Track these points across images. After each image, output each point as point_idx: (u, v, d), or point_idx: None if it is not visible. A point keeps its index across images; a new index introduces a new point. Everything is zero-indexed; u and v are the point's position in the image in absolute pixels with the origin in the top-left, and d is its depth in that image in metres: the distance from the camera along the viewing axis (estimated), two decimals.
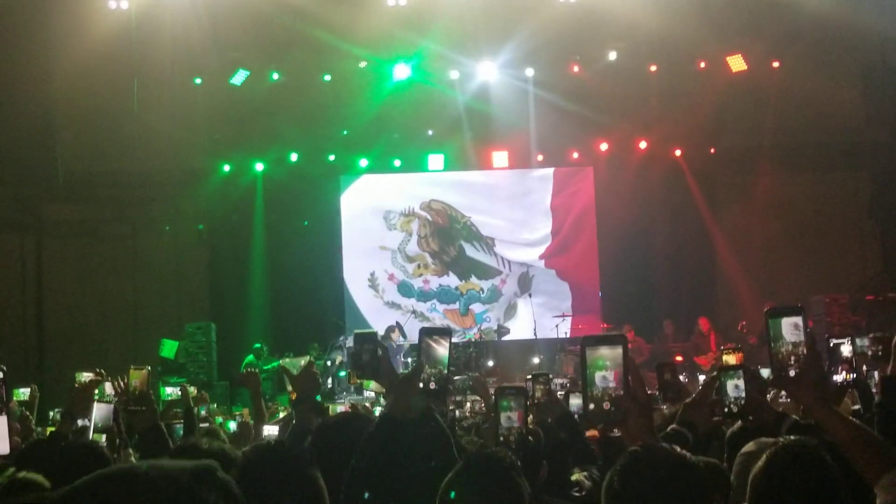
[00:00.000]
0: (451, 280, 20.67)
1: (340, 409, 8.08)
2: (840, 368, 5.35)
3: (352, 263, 20.44)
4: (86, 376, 7.61)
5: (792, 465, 2.90)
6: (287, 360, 9.04)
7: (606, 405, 3.18)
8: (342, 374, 17.03)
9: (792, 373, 3.26)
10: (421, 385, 3.59)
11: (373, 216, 20.62)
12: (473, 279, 20.69)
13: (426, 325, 18.91)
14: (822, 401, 3.28)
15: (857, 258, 19.60)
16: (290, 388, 7.88)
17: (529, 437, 4.57)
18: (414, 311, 20.04)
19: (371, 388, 13.54)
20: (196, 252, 20.00)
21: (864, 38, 17.99)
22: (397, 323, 18.47)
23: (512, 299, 20.50)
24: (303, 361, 7.18)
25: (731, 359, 5.09)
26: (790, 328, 3.31)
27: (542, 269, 20.66)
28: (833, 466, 2.94)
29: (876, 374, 6.55)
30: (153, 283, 19.37)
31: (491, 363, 18.16)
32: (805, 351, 3.26)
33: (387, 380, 4.08)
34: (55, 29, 16.87)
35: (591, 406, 3.16)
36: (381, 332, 18.28)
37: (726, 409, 4.58)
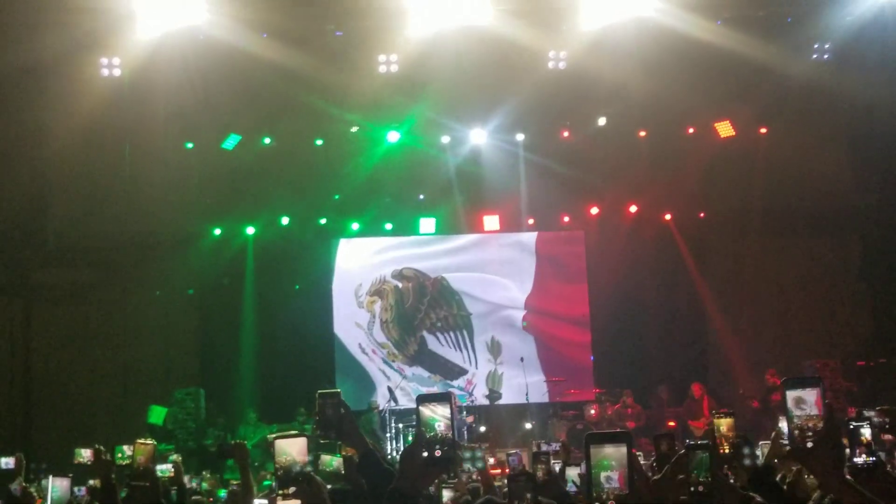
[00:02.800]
0: (421, 371, 20.32)
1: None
2: (859, 451, 5.33)
3: (344, 328, 20.31)
4: (85, 453, 7.56)
5: None
6: (274, 435, 8.95)
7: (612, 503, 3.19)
8: None
9: (809, 444, 3.26)
10: (425, 454, 3.50)
11: (349, 288, 20.46)
12: (440, 376, 20.24)
13: (423, 391, 18.77)
14: (838, 473, 3.26)
15: (848, 323, 19.61)
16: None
17: None
18: (404, 377, 19.89)
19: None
20: (186, 317, 19.87)
21: (850, 104, 18.16)
22: (389, 388, 18.38)
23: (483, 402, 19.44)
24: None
25: (722, 423, 5.06)
26: (807, 399, 3.32)
27: (526, 335, 20.49)
28: None
29: None
30: (142, 349, 19.21)
31: (483, 429, 18.02)
32: (822, 423, 3.26)
33: (351, 438, 4.12)
34: (48, 95, 16.89)
35: None
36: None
37: (692, 489, 4.55)
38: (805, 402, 3.33)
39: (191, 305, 20.04)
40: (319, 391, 4.16)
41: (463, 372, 20.28)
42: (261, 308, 19.84)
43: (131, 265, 19.39)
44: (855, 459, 5.18)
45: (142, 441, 5.75)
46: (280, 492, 3.99)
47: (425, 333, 20.41)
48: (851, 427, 5.33)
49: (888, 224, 19.13)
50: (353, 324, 20.28)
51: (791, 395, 3.34)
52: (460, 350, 20.40)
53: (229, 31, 15.64)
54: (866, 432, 5.40)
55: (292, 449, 3.98)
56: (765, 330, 19.63)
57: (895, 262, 19.13)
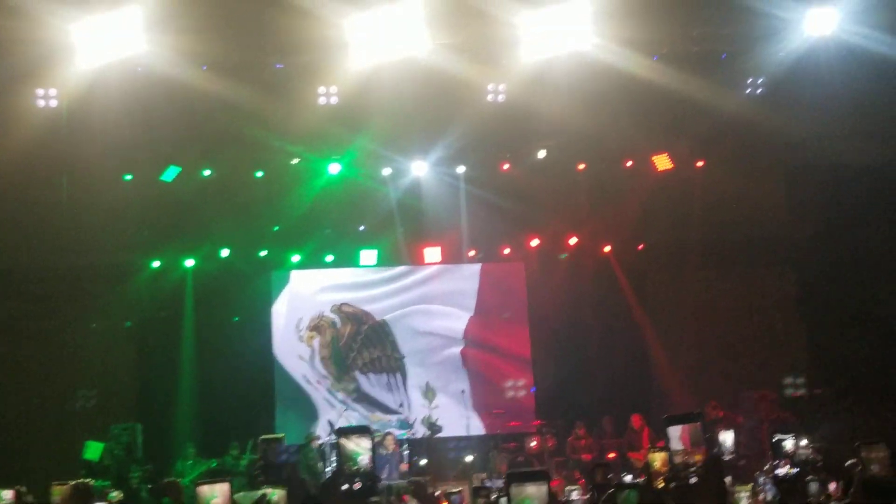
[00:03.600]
0: (361, 408, 20.09)
1: None
2: (783, 463, 5.45)
3: (288, 360, 20.11)
4: (6, 494, 7.41)
5: None
6: (241, 493, 8.95)
7: None
8: None
9: (693, 479, 3.32)
10: (345, 487, 3.53)
11: (292, 321, 20.29)
12: (378, 413, 20.07)
13: (365, 423, 18.65)
14: None
15: (785, 353, 19.82)
16: None
17: None
18: (347, 408, 19.73)
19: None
20: (123, 350, 19.61)
21: (785, 136, 18.45)
22: (329, 422, 18.20)
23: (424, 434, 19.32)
24: (258, 495, 7.12)
25: (656, 458, 5.13)
26: (689, 435, 3.39)
27: (464, 371, 20.37)
28: None
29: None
30: (79, 382, 18.92)
31: (424, 462, 17.94)
32: (703, 458, 3.32)
33: (292, 484, 4.11)
34: None
35: None
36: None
37: None
38: (687, 437, 3.40)
39: (128, 338, 19.78)
40: (262, 437, 4.16)
41: (397, 413, 20.10)
42: (200, 341, 19.60)
43: (67, 297, 19.10)
44: (777, 471, 5.29)
45: (59, 482, 5.68)
46: None
47: (357, 374, 20.24)
48: (775, 440, 5.45)
49: (823, 256, 19.39)
50: (297, 356, 20.12)
51: (672, 431, 3.40)
52: (391, 392, 20.22)
53: (169, 62, 15.51)
54: (789, 444, 5.51)
55: (216, 496, 3.96)
56: (705, 361, 19.79)
57: (830, 293, 19.38)
